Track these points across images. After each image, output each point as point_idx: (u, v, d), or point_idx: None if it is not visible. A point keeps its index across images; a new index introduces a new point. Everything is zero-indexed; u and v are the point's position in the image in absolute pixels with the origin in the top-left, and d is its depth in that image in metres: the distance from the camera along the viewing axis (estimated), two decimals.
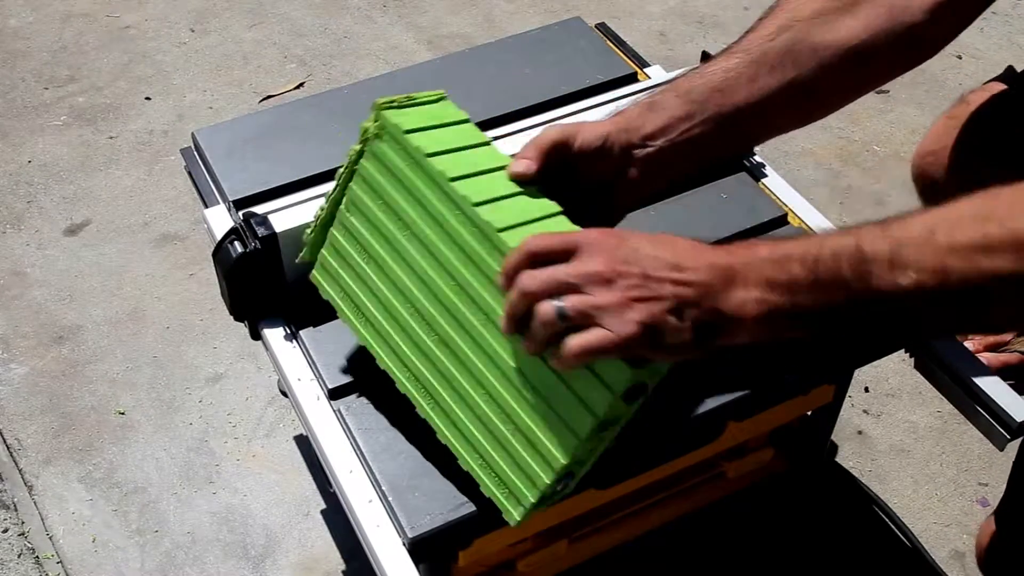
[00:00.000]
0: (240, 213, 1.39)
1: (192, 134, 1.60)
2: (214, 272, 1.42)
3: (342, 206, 1.20)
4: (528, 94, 1.63)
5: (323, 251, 1.24)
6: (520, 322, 0.99)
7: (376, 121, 1.14)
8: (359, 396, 1.29)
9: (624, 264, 0.95)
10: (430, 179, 1.10)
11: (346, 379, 1.30)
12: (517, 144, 1.47)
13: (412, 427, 1.25)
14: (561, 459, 1.05)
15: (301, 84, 2.78)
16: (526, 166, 1.13)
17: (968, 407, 1.38)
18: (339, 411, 1.28)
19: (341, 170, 1.20)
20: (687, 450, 1.38)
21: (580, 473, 1.11)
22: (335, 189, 1.22)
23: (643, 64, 1.72)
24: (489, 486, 1.12)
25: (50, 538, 1.83)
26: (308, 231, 1.27)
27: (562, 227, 1.09)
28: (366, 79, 1.74)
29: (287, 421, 2.00)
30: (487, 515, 1.16)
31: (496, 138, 1.49)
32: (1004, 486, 1.67)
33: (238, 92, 2.76)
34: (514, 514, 1.10)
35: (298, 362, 1.34)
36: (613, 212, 1.23)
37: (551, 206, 1.11)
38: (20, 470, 1.92)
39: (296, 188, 1.47)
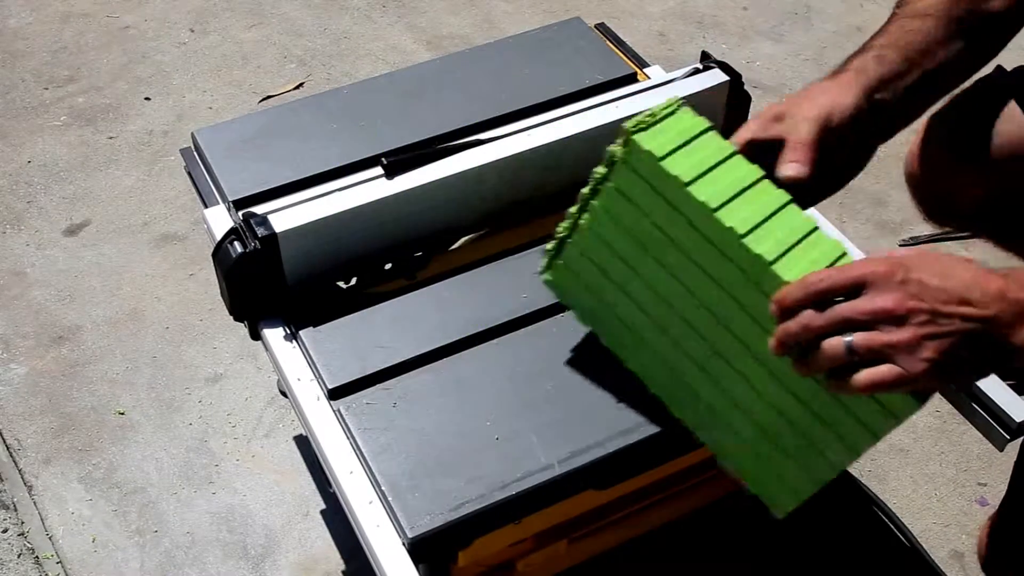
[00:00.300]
0: (240, 213, 1.39)
1: (192, 134, 1.60)
2: (214, 272, 1.42)
3: (583, 223, 1.23)
4: (528, 94, 1.63)
5: (560, 262, 1.29)
6: (793, 349, 1.00)
7: (625, 146, 1.13)
8: (359, 396, 1.29)
9: (914, 300, 0.94)
10: (689, 208, 1.09)
11: (346, 379, 1.31)
12: (517, 144, 1.48)
13: (412, 428, 1.25)
14: (830, 474, 1.12)
15: (301, 84, 2.78)
16: (797, 170, 1.12)
17: (967, 407, 1.38)
18: (339, 411, 1.28)
19: (584, 190, 1.21)
20: (686, 450, 1.38)
21: None
22: (577, 207, 1.24)
23: (643, 64, 1.72)
24: (756, 486, 1.22)
25: (50, 538, 1.83)
26: (548, 245, 1.30)
27: (823, 246, 1.08)
28: (366, 79, 1.75)
29: (287, 421, 2.00)
30: (487, 515, 1.17)
31: (496, 138, 1.50)
32: (1003, 486, 1.67)
33: (238, 92, 2.76)
34: (781, 510, 1.21)
35: (298, 362, 1.34)
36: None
37: (807, 222, 1.09)
38: (20, 470, 1.92)
39: (296, 188, 1.47)
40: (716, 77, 1.57)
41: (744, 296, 1.09)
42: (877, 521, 1.82)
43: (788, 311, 0.99)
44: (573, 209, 1.24)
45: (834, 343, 0.95)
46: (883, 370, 0.94)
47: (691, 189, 1.08)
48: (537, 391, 1.29)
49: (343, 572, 1.78)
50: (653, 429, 1.25)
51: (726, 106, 1.60)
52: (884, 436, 1.06)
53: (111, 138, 2.62)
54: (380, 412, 1.27)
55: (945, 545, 1.81)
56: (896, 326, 0.94)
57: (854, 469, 1.90)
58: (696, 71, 1.60)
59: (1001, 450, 1.38)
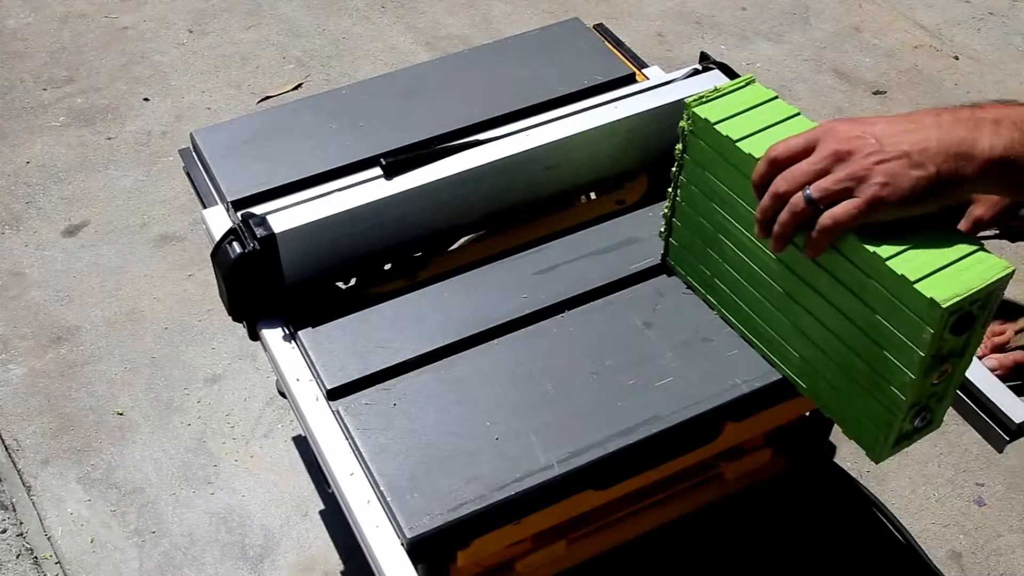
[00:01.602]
0: (238, 214, 1.39)
1: (190, 135, 1.60)
2: (213, 273, 1.42)
3: (679, 199, 1.31)
4: (526, 95, 1.63)
5: (672, 240, 1.38)
6: (769, 224, 1.06)
7: (688, 119, 1.23)
8: (358, 396, 1.29)
9: (859, 138, 0.99)
10: (745, 164, 1.16)
11: (345, 379, 1.31)
12: (516, 145, 1.48)
13: (411, 428, 1.25)
14: (900, 403, 1.12)
15: (299, 85, 2.78)
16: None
17: (966, 409, 1.38)
18: (337, 411, 1.28)
19: (673, 168, 1.30)
20: (685, 451, 1.38)
21: (939, 406, 1.17)
22: (672, 185, 1.32)
23: (641, 64, 1.72)
24: (850, 430, 1.21)
25: (48, 538, 1.83)
26: (662, 228, 1.40)
27: None
28: (364, 79, 1.75)
29: (285, 422, 2.00)
30: (486, 516, 1.17)
31: (495, 139, 1.50)
32: (1002, 487, 1.67)
33: (236, 93, 2.76)
34: (877, 454, 1.19)
35: (297, 362, 1.34)
36: None
37: None
38: (19, 470, 1.92)
39: (295, 188, 1.47)
40: (716, 79, 1.58)
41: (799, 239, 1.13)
42: (876, 522, 1.82)
43: (760, 188, 1.06)
44: (670, 189, 1.33)
45: (795, 199, 1.02)
46: (842, 206, 0.99)
47: (740, 144, 1.15)
48: (536, 391, 1.29)
49: (342, 572, 1.78)
50: (653, 429, 1.25)
51: None
52: (934, 352, 1.06)
53: (110, 139, 2.62)
54: (379, 412, 1.27)
55: (943, 545, 1.81)
56: (845, 163, 0.99)
57: (853, 469, 1.91)
58: (695, 72, 1.60)
59: (1000, 451, 1.38)
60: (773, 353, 1.30)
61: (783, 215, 1.03)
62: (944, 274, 1.02)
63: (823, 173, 1.00)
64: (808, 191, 1.01)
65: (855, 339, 1.14)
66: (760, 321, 1.29)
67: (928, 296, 1.00)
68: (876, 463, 1.22)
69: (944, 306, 0.99)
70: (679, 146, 1.27)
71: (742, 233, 1.23)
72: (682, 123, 1.25)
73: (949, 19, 3.08)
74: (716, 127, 1.18)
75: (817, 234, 1.02)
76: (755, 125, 1.18)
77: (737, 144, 1.16)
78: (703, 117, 1.20)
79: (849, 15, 3.06)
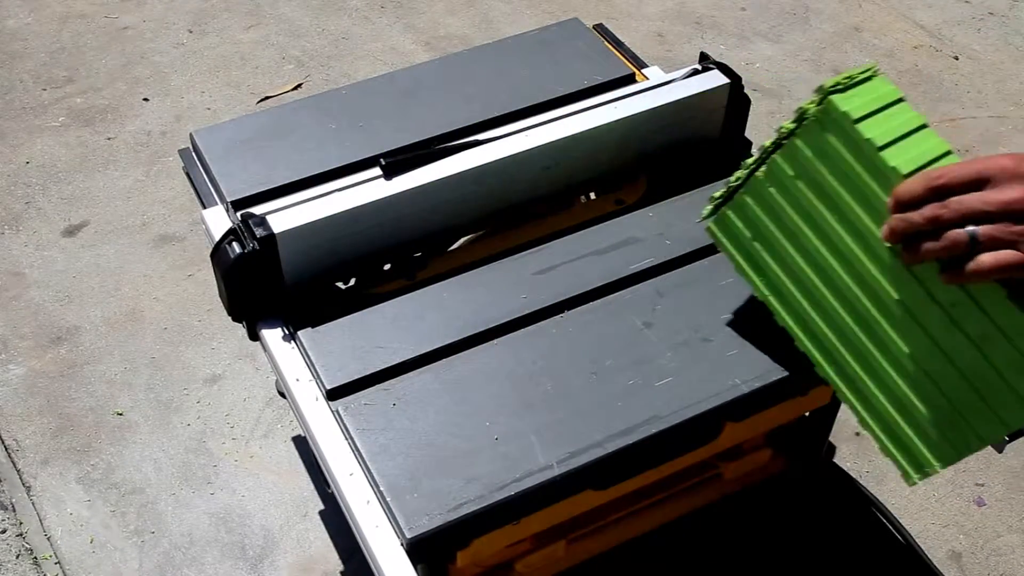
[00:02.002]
0: (238, 214, 1.39)
1: (190, 135, 1.60)
2: (212, 273, 1.42)
3: (759, 175, 1.24)
4: (526, 95, 1.63)
5: (728, 210, 1.30)
6: (907, 237, 1.02)
7: (819, 104, 1.15)
8: (357, 397, 1.29)
9: None
10: (878, 172, 1.12)
11: (344, 380, 1.31)
12: (515, 145, 1.48)
13: (411, 428, 1.25)
14: (975, 446, 1.13)
15: (299, 85, 2.78)
16: None
17: None
18: (337, 412, 1.28)
19: (767, 142, 1.24)
20: (685, 451, 1.38)
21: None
22: (756, 159, 1.26)
23: (641, 65, 1.72)
24: (889, 448, 1.20)
25: (48, 539, 1.83)
26: (716, 193, 1.32)
27: None
28: (364, 80, 1.75)
29: (285, 422, 2.00)
30: (485, 516, 1.17)
31: (494, 139, 1.50)
32: (1001, 486, 1.67)
33: (236, 93, 2.76)
34: (914, 477, 1.18)
35: (296, 363, 1.34)
36: None
37: None
38: (18, 471, 1.92)
39: (294, 189, 1.47)
40: (716, 79, 1.58)
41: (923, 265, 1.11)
42: (875, 521, 1.82)
43: (906, 204, 1.02)
44: (749, 160, 1.27)
45: (958, 233, 0.98)
46: (1008, 254, 0.96)
47: (884, 154, 1.11)
48: (536, 391, 1.29)
49: (341, 573, 1.78)
50: (652, 429, 1.25)
51: (726, 108, 1.60)
52: None
53: (109, 139, 2.62)
54: (379, 412, 1.27)
55: (943, 545, 1.81)
56: (1019, 220, 0.96)
57: (852, 470, 1.91)
58: (695, 72, 1.60)
59: (1000, 452, 1.38)
60: (820, 353, 1.27)
61: (936, 244, 0.99)
62: None
63: (994, 217, 0.97)
64: (974, 230, 0.97)
65: (948, 377, 1.13)
66: (820, 323, 1.26)
67: None
68: (910, 485, 1.24)
69: None
70: (789, 124, 1.20)
71: (839, 235, 1.19)
72: (806, 104, 1.18)
73: (949, 19, 3.08)
74: (857, 126, 1.12)
75: (971, 272, 0.98)
76: (892, 131, 1.13)
77: (881, 153, 1.10)
78: (843, 111, 1.13)
79: (849, 15, 3.06)
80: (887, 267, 1.15)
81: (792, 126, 1.20)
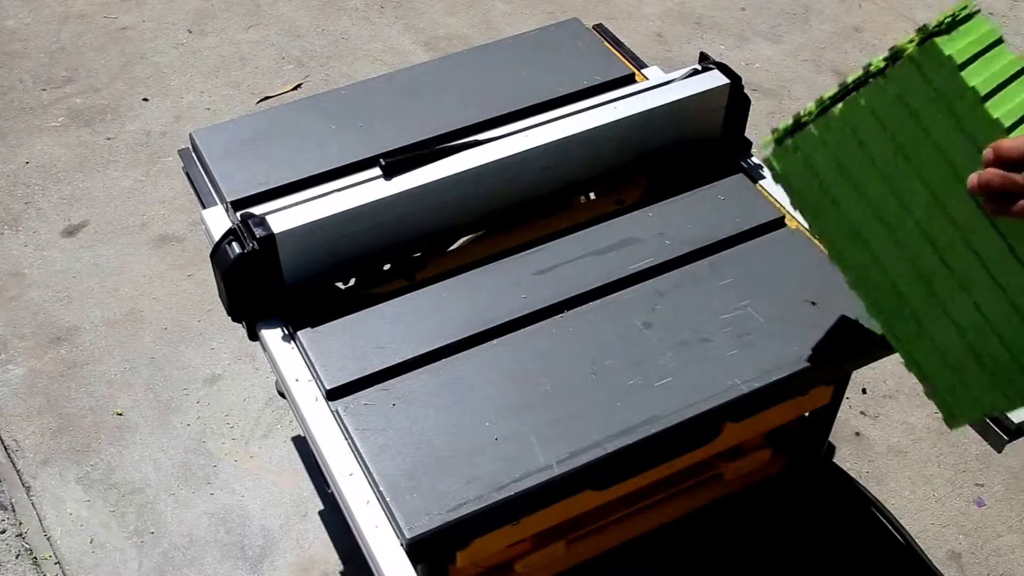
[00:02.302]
0: (238, 214, 1.39)
1: (190, 135, 1.60)
2: (212, 273, 1.42)
3: (837, 111, 1.18)
4: (526, 95, 1.63)
5: (794, 141, 1.24)
6: (998, 193, 1.00)
7: (919, 44, 1.09)
8: (357, 397, 1.29)
9: None
10: (977, 123, 1.07)
11: (344, 380, 1.31)
12: (515, 145, 1.48)
13: (410, 428, 1.25)
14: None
15: (299, 85, 2.78)
16: None
17: None
18: (337, 412, 1.28)
19: (849, 79, 1.18)
20: (684, 451, 1.38)
21: None
22: (833, 94, 1.20)
23: (641, 65, 1.72)
24: (939, 389, 1.22)
25: (48, 539, 1.83)
26: (781, 124, 1.26)
27: None
28: (364, 80, 1.75)
29: (285, 422, 2.00)
30: (485, 516, 1.17)
31: (494, 139, 1.50)
32: (1001, 487, 1.67)
33: (235, 93, 2.76)
34: (954, 422, 1.22)
35: (296, 363, 1.34)
36: None
37: None
38: (18, 471, 1.92)
39: (294, 189, 1.47)
40: (716, 79, 1.58)
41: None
42: (875, 522, 1.82)
43: (1006, 162, 0.99)
44: (826, 95, 1.22)
45: None
46: None
47: (987, 105, 1.06)
48: (536, 391, 1.29)
49: (341, 573, 1.78)
50: (652, 429, 1.25)
51: (726, 108, 1.59)
52: None
53: (109, 139, 2.62)
54: (378, 412, 1.27)
55: (943, 545, 1.81)
56: None
57: (852, 470, 1.91)
58: (695, 72, 1.60)
59: (1000, 451, 1.38)
60: (869, 299, 1.26)
61: None
62: None
63: None
64: None
65: (1012, 328, 1.13)
66: (871, 268, 1.23)
67: None
68: (951, 428, 1.24)
69: None
70: (879, 60, 1.14)
71: (914, 177, 1.15)
72: (903, 43, 1.11)
73: None
74: (961, 74, 1.05)
75: None
76: (993, 78, 1.08)
77: (984, 104, 1.05)
78: (947, 55, 1.05)
79: (849, 15, 3.06)
80: (966, 214, 1.11)
81: (882, 64, 1.13)
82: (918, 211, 1.16)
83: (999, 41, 1.10)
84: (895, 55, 1.12)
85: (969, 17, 1.10)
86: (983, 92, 1.06)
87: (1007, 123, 1.05)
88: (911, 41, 1.10)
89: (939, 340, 1.20)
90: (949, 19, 1.09)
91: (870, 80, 1.15)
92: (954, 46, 1.07)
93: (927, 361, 1.22)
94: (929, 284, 1.18)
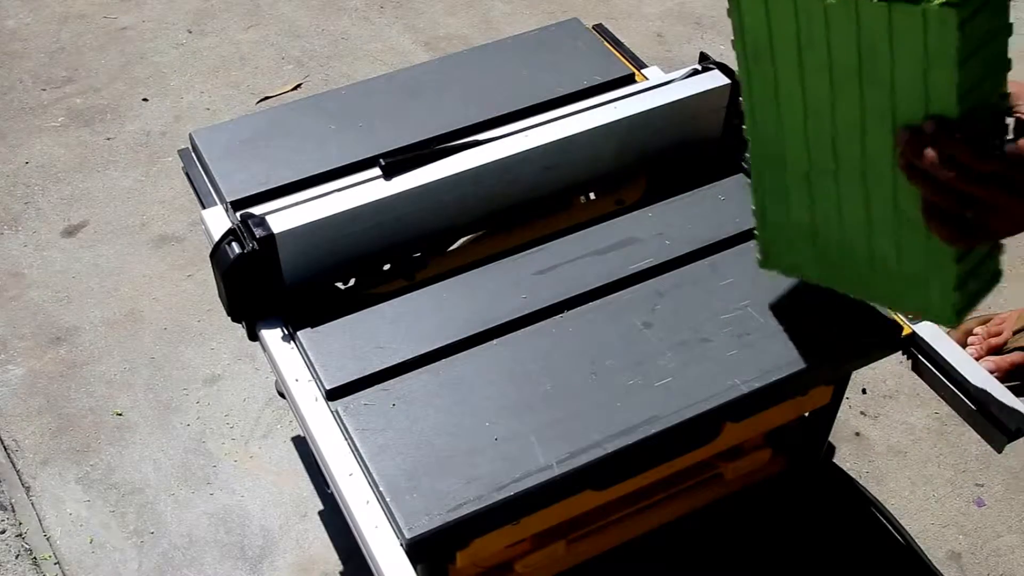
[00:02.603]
0: (238, 214, 1.39)
1: (190, 135, 1.60)
2: (212, 273, 1.42)
3: None
4: (526, 95, 1.63)
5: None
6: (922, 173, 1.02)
7: None
8: (357, 397, 1.29)
9: None
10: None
11: (344, 380, 1.31)
12: (515, 145, 1.48)
13: (410, 428, 1.25)
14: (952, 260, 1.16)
15: (298, 85, 2.78)
16: None
17: (965, 409, 1.38)
18: (337, 412, 1.28)
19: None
20: (684, 451, 1.38)
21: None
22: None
23: (641, 65, 1.72)
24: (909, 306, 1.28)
25: (48, 539, 1.83)
26: None
27: None
28: (363, 80, 1.75)
29: (285, 422, 1.99)
30: (485, 516, 1.17)
31: (494, 139, 1.50)
32: (1001, 487, 1.67)
33: (235, 93, 2.76)
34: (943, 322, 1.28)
35: (296, 363, 1.34)
36: None
37: None
38: (18, 471, 1.92)
39: (294, 189, 1.47)
40: (716, 79, 1.57)
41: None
42: (875, 522, 1.82)
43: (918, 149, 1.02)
44: None
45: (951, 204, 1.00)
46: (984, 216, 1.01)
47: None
48: (536, 392, 1.29)
49: (340, 573, 1.78)
50: (652, 429, 1.25)
51: (726, 108, 1.59)
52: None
53: (109, 139, 2.62)
54: (378, 413, 1.27)
55: (943, 546, 1.81)
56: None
57: (852, 470, 1.91)
58: (695, 72, 1.60)
59: (1000, 452, 1.38)
60: (763, 167, 1.28)
61: (942, 182, 1.01)
62: None
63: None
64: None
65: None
66: (785, 137, 1.24)
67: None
68: (950, 325, 1.25)
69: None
70: None
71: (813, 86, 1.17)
72: None
73: None
74: None
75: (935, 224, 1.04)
76: None
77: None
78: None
79: None
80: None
81: None
82: (841, 100, 1.16)
83: None
84: None
85: None
86: None
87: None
88: None
89: (879, 245, 1.22)
90: None
91: None
92: None
93: (884, 284, 1.25)
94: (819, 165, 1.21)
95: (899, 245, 1.20)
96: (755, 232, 1.35)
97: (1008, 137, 1.02)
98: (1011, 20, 1.07)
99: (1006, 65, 1.07)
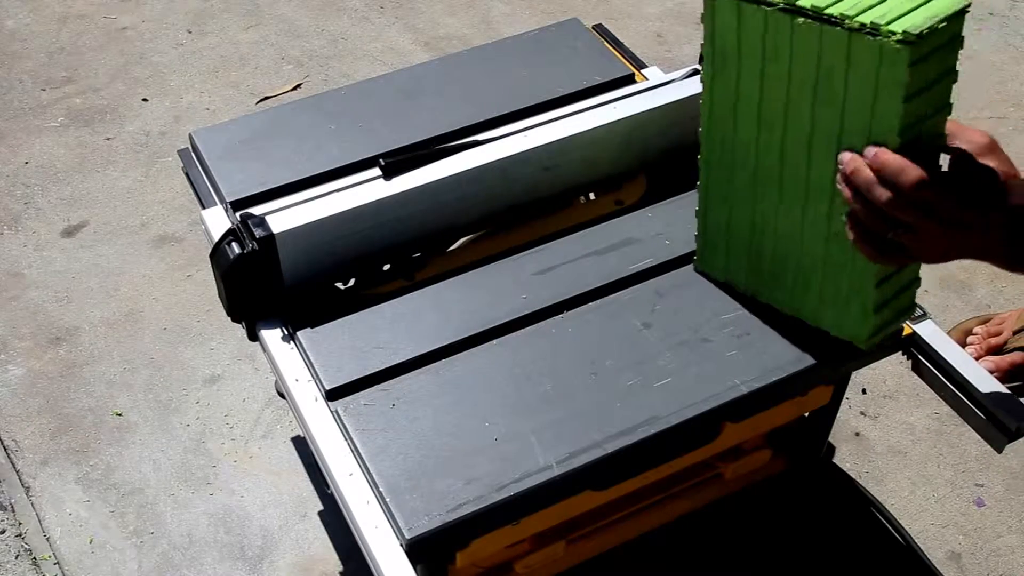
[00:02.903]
0: (237, 214, 1.39)
1: (189, 135, 1.60)
2: (212, 273, 1.42)
3: (801, 21, 1.16)
4: (526, 95, 1.63)
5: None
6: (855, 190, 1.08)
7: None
8: (357, 397, 1.29)
9: None
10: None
11: (344, 380, 1.30)
12: (515, 145, 1.48)
13: (410, 428, 1.25)
14: (870, 278, 1.23)
15: (298, 85, 2.78)
16: None
17: (965, 410, 1.38)
18: (336, 412, 1.28)
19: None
20: (684, 451, 1.38)
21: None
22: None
23: (640, 65, 1.72)
24: (831, 326, 1.32)
25: (47, 539, 1.83)
26: None
27: None
28: (363, 80, 1.74)
29: (284, 422, 1.99)
30: (485, 516, 1.17)
31: (494, 139, 1.50)
32: (1001, 487, 1.67)
33: (235, 93, 2.76)
34: (862, 344, 1.30)
35: (296, 363, 1.34)
36: None
37: None
38: (17, 471, 1.92)
39: (293, 189, 1.47)
40: None
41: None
42: (875, 522, 1.82)
43: (851, 182, 1.08)
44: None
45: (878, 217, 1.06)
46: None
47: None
48: (535, 392, 1.29)
49: (340, 573, 1.78)
50: (652, 430, 1.25)
51: None
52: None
53: (108, 139, 2.62)
54: (378, 413, 1.27)
55: (943, 546, 1.81)
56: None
57: (852, 470, 1.91)
58: (695, 72, 1.60)
59: (1000, 452, 1.38)
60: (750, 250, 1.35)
61: (870, 219, 1.07)
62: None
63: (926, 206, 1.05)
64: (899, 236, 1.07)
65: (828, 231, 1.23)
66: (738, 146, 1.30)
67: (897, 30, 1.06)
68: (864, 348, 1.31)
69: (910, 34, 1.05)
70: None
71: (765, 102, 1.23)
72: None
73: None
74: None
75: (864, 235, 1.09)
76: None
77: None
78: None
79: None
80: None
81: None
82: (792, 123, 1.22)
83: None
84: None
85: None
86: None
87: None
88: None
89: (805, 267, 1.30)
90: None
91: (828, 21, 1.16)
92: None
93: (805, 297, 1.32)
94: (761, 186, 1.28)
95: (826, 261, 1.28)
96: (695, 233, 1.41)
97: (943, 170, 1.08)
98: (957, 68, 1.15)
99: (948, 107, 1.16)
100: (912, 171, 1.03)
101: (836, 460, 1.91)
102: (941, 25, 1.09)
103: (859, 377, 2.04)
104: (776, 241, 1.32)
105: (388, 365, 1.32)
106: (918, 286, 1.31)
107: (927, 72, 1.11)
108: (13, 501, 1.88)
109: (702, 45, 1.26)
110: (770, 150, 1.26)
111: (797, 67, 1.18)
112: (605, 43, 1.76)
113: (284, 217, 1.37)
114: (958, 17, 1.10)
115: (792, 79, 1.19)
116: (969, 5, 1.10)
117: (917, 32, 1.07)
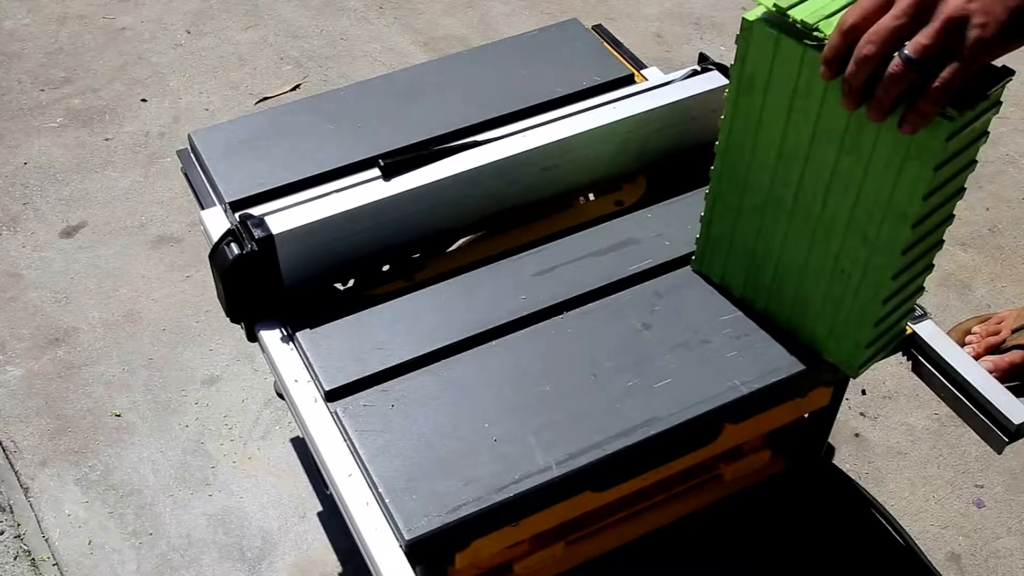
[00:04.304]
0: (236, 215, 1.39)
1: (188, 136, 1.60)
2: (210, 274, 1.42)
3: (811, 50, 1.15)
4: (525, 96, 1.63)
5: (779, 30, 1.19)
6: (864, 93, 1.00)
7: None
8: (356, 398, 1.29)
9: None
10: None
11: (343, 381, 1.30)
12: (514, 146, 1.48)
13: (409, 429, 1.25)
14: (871, 311, 1.25)
15: (297, 86, 2.78)
16: None
17: (965, 410, 1.38)
18: (336, 413, 1.27)
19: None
20: (684, 452, 1.38)
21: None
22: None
23: (640, 65, 1.72)
24: (824, 349, 1.33)
25: (46, 540, 1.82)
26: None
27: None
28: (362, 81, 1.74)
29: (283, 423, 1.99)
30: (484, 517, 1.16)
31: (493, 140, 1.49)
32: (1001, 488, 1.67)
33: (234, 94, 2.76)
34: (851, 373, 1.33)
35: (295, 364, 1.34)
36: None
37: None
38: (16, 472, 1.92)
39: (293, 189, 1.47)
40: (715, 80, 1.58)
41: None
42: (875, 523, 1.82)
43: (834, 62, 1.00)
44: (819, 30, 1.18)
45: (894, 64, 0.95)
46: (948, 69, 0.94)
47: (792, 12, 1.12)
48: (535, 393, 1.29)
49: (340, 574, 1.78)
50: (651, 431, 1.25)
51: None
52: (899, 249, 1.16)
53: (107, 140, 2.62)
54: (377, 414, 1.27)
55: (943, 547, 1.81)
56: (936, 8, 0.92)
57: (852, 471, 1.90)
58: (694, 73, 1.60)
59: (999, 453, 1.38)
60: (752, 272, 1.35)
61: (884, 85, 0.96)
62: None
63: (913, 27, 0.93)
64: (905, 51, 0.94)
65: (827, 256, 1.24)
66: (751, 228, 1.32)
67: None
68: (851, 375, 1.34)
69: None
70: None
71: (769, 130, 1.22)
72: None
73: None
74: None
75: (926, 103, 0.96)
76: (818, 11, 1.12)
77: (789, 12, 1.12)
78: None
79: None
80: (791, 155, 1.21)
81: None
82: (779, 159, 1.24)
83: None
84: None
85: None
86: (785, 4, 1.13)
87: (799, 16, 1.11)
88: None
89: (803, 289, 1.31)
90: None
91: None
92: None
93: (804, 318, 1.33)
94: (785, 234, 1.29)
95: (827, 297, 1.28)
96: (696, 235, 1.41)
97: None
98: (988, 130, 1.15)
99: (972, 166, 1.17)
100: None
101: (836, 461, 1.91)
102: (980, 105, 1.08)
103: (859, 378, 2.04)
104: (778, 265, 1.32)
105: (387, 366, 1.32)
106: (912, 316, 1.34)
107: (959, 143, 1.11)
108: (12, 502, 1.88)
109: (731, 66, 1.25)
110: (787, 183, 1.25)
111: (828, 110, 1.15)
112: (604, 43, 1.76)
113: (283, 218, 1.37)
114: (995, 107, 1.10)
115: (820, 120, 1.17)
116: (1001, 103, 1.10)
117: (959, 109, 1.06)
